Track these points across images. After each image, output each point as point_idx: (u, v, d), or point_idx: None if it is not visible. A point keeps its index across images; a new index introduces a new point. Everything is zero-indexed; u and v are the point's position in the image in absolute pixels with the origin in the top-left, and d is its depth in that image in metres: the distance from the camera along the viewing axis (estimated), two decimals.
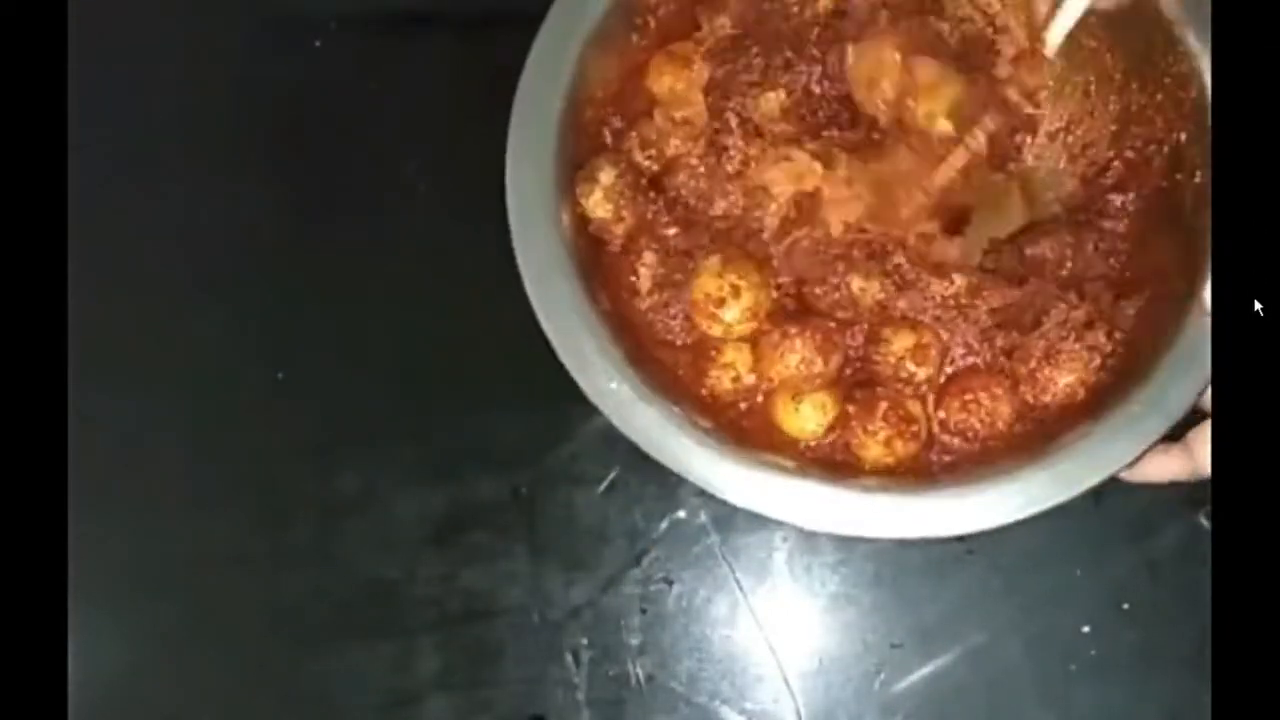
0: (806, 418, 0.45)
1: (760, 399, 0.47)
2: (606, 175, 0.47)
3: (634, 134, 0.49)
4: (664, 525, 0.55)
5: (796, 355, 0.45)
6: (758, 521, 0.54)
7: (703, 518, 0.55)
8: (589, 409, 0.55)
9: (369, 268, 0.57)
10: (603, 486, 0.55)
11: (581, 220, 0.47)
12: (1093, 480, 0.42)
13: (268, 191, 0.58)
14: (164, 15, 0.60)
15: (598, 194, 0.47)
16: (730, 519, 0.54)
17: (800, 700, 0.53)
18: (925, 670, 0.53)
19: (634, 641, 0.54)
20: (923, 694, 0.53)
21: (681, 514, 0.55)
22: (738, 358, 0.46)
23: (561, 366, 0.45)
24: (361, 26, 0.60)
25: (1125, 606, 0.53)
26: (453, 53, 0.59)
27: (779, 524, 0.54)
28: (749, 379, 0.46)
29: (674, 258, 0.46)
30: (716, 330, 0.46)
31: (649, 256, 0.46)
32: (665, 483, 0.55)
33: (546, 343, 0.45)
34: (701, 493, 0.54)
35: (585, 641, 0.54)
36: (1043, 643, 0.53)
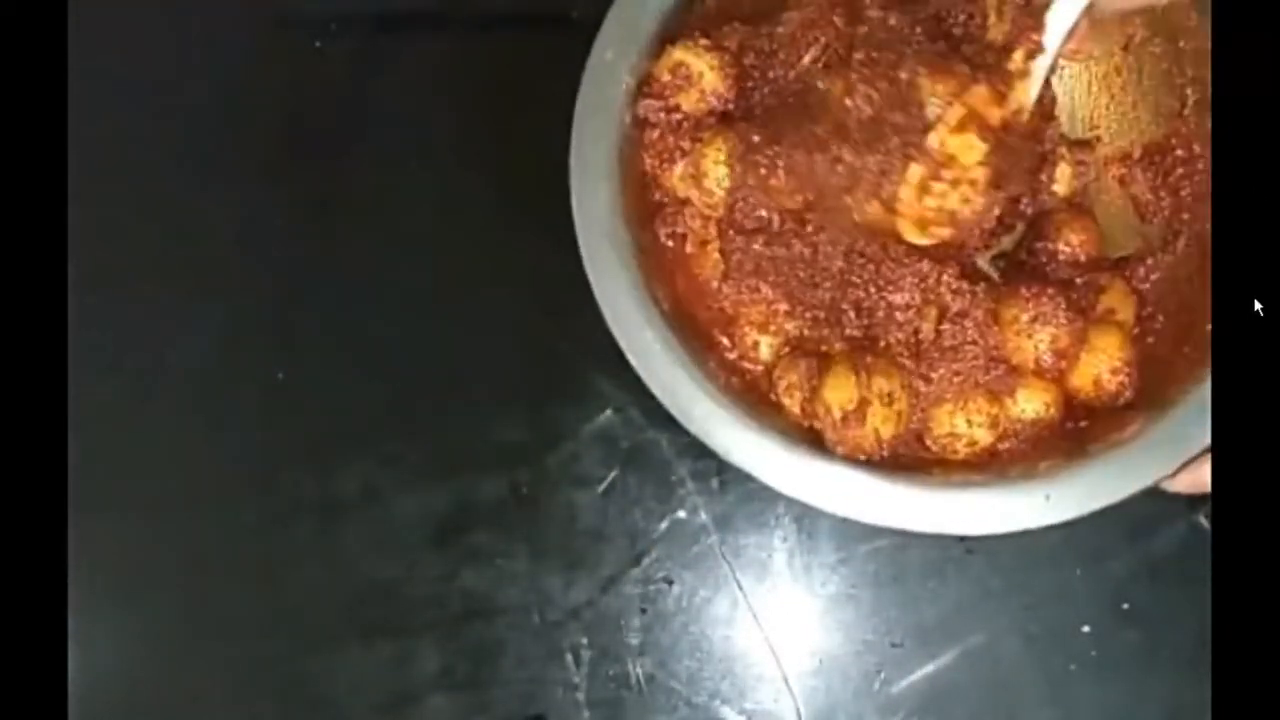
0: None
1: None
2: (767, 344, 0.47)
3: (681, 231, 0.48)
4: (664, 525, 0.55)
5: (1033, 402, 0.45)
6: (758, 521, 0.54)
7: (703, 518, 0.55)
8: (589, 409, 0.56)
9: (369, 267, 0.57)
10: (603, 486, 0.55)
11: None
12: (1134, 487, 0.42)
13: (268, 191, 0.58)
14: (164, 15, 0.60)
15: (764, 344, 0.47)
16: (730, 519, 0.54)
17: (800, 700, 0.53)
18: (925, 670, 0.53)
19: (634, 641, 0.54)
20: (923, 694, 0.53)
21: (681, 514, 0.55)
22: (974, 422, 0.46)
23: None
24: (361, 27, 0.60)
25: (1125, 606, 0.53)
26: (454, 53, 0.59)
27: (779, 524, 0.55)
28: (984, 436, 0.46)
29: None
30: (964, 447, 0.45)
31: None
32: (665, 482, 0.55)
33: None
34: (701, 492, 0.55)
35: (585, 641, 0.54)
36: (1043, 643, 0.53)
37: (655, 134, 0.47)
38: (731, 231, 0.46)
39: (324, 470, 0.56)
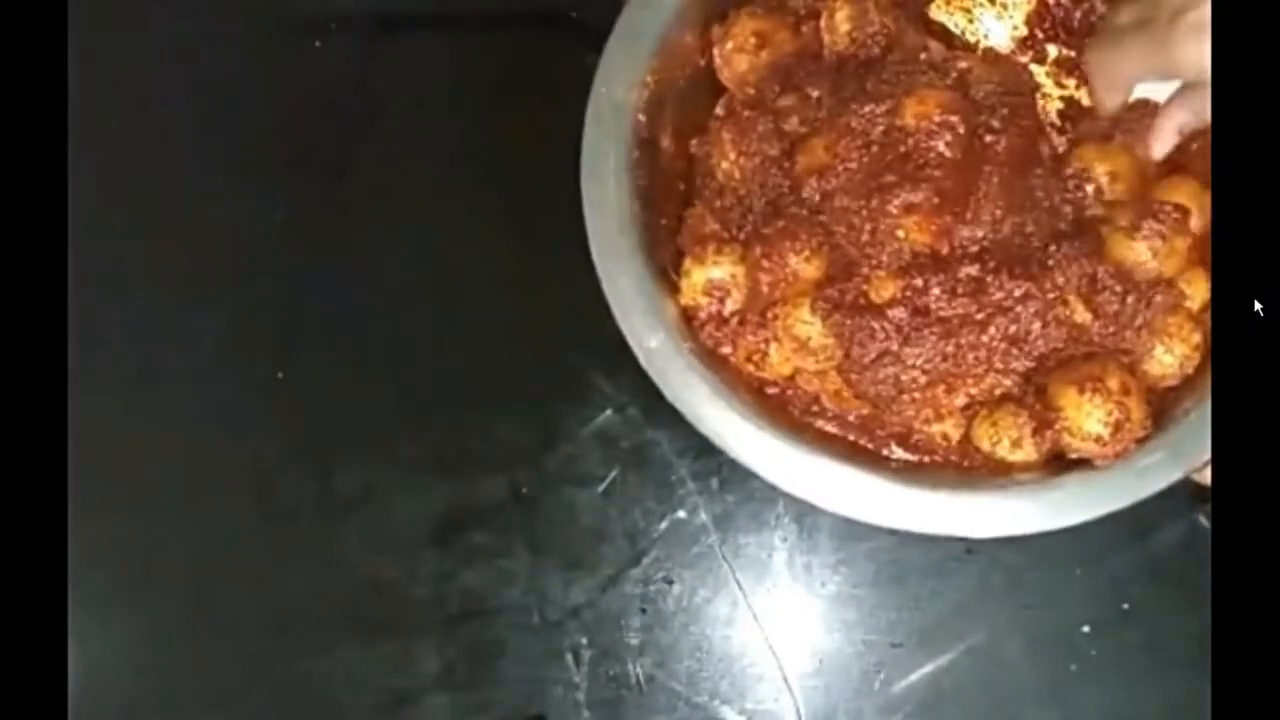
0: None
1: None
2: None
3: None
4: (664, 525, 0.55)
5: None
6: (758, 521, 0.54)
7: (703, 518, 0.55)
8: (589, 409, 0.56)
9: (369, 267, 0.57)
10: (603, 486, 0.55)
11: None
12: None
13: (268, 191, 0.58)
14: (164, 15, 0.60)
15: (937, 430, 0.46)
16: (730, 519, 0.54)
17: (800, 700, 0.53)
18: (925, 670, 0.53)
19: (634, 641, 0.54)
20: (923, 693, 0.53)
21: (681, 514, 0.55)
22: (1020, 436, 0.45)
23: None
24: (361, 27, 0.60)
25: (1125, 606, 0.53)
26: (453, 53, 0.59)
27: (779, 524, 0.55)
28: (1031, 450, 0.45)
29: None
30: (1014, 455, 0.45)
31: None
32: (665, 482, 0.55)
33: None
34: (701, 492, 0.55)
35: (585, 641, 0.54)
36: (1043, 643, 0.53)
37: (725, 329, 0.46)
38: (848, 366, 0.45)
39: (324, 470, 0.56)
